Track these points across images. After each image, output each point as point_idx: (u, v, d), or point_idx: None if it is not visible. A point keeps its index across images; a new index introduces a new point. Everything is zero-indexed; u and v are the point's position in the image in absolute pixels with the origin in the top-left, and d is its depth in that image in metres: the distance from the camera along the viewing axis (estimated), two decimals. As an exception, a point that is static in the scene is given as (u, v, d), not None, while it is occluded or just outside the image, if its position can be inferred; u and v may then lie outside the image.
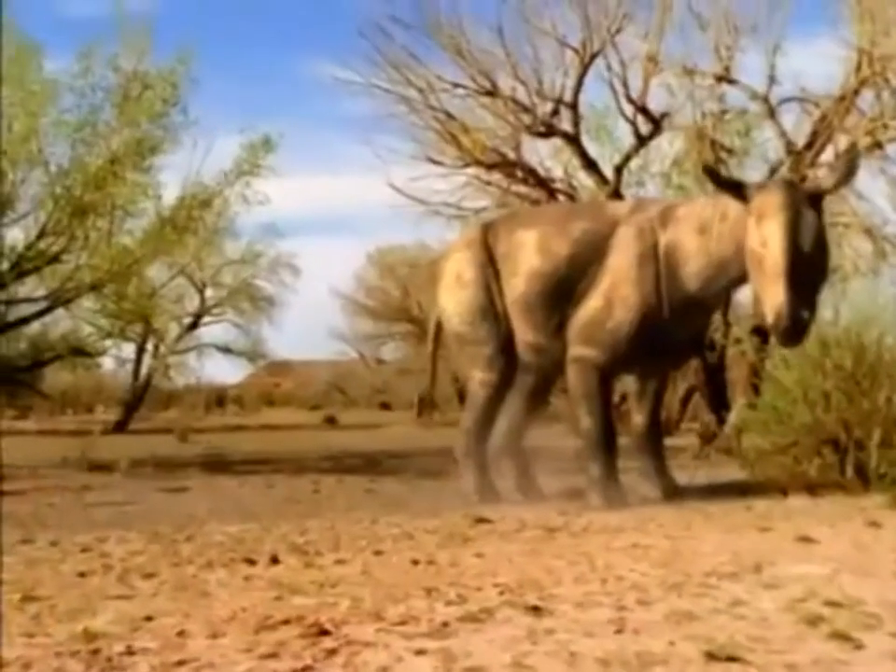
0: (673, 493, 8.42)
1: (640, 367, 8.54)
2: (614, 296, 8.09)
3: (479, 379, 8.89)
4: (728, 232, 7.64)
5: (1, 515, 7.56)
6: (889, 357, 8.66)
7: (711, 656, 3.42)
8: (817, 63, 14.03)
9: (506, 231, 8.89)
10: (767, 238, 7.07)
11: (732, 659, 3.41)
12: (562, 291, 8.34)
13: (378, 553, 5.79)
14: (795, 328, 7.03)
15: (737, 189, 7.45)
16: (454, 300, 9.05)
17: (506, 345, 8.75)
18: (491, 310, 8.76)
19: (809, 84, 13.59)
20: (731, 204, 7.66)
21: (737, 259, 7.55)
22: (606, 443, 8.18)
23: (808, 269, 7.07)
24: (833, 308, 9.35)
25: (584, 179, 14.74)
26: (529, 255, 8.57)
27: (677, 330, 8.14)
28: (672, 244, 8.00)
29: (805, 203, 7.14)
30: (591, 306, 8.16)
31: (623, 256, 8.14)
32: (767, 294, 7.06)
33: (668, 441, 14.74)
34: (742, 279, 7.78)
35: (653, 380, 8.74)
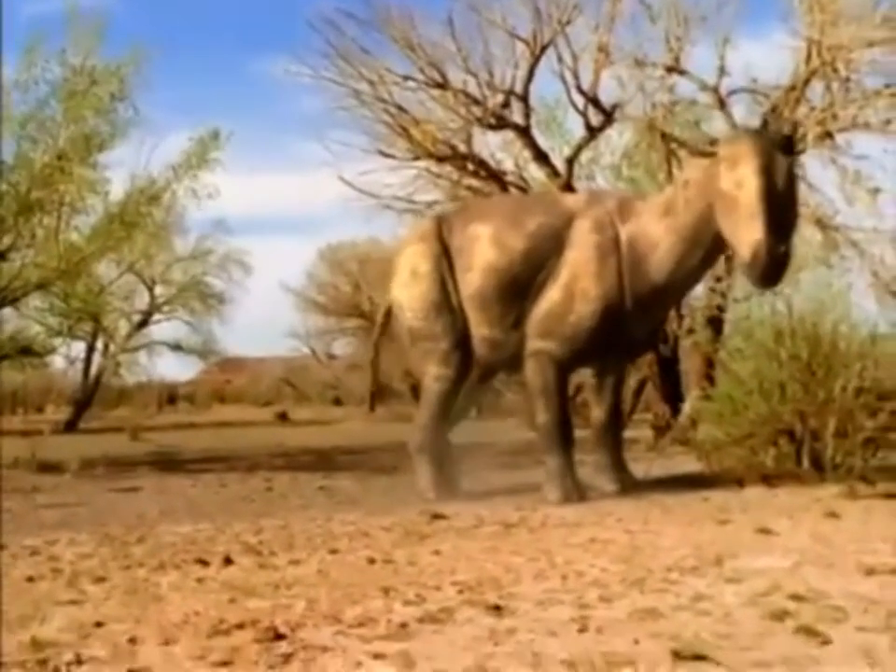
0: (630, 486, 8.36)
1: (599, 360, 8.47)
2: (574, 289, 8.01)
3: (434, 374, 8.78)
4: (695, 194, 7.64)
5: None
6: (843, 347, 8.66)
7: (678, 655, 3.35)
8: (767, 55, 14.08)
9: (460, 224, 8.78)
10: (742, 179, 7.14)
11: (699, 657, 3.35)
12: (518, 285, 8.26)
13: (334, 552, 5.70)
14: (774, 263, 7.07)
15: (710, 149, 7.58)
16: (407, 294, 8.93)
17: (462, 340, 8.64)
18: (446, 304, 8.65)
19: (760, 75, 13.55)
20: (691, 169, 7.85)
21: (710, 218, 7.56)
22: (562, 437, 8.11)
23: (782, 210, 7.17)
24: (787, 298, 9.33)
25: (535, 171, 14.68)
26: (484, 248, 8.47)
27: (637, 324, 8.10)
28: (635, 235, 7.97)
29: (775, 148, 7.31)
30: (550, 299, 8.09)
31: (581, 249, 8.07)
32: (743, 233, 7.11)
33: (624, 434, 14.80)
34: (716, 249, 7.98)
35: (612, 373, 8.65)
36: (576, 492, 7.94)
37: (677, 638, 3.55)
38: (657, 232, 7.90)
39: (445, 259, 8.70)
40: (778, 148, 7.29)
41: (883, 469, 8.25)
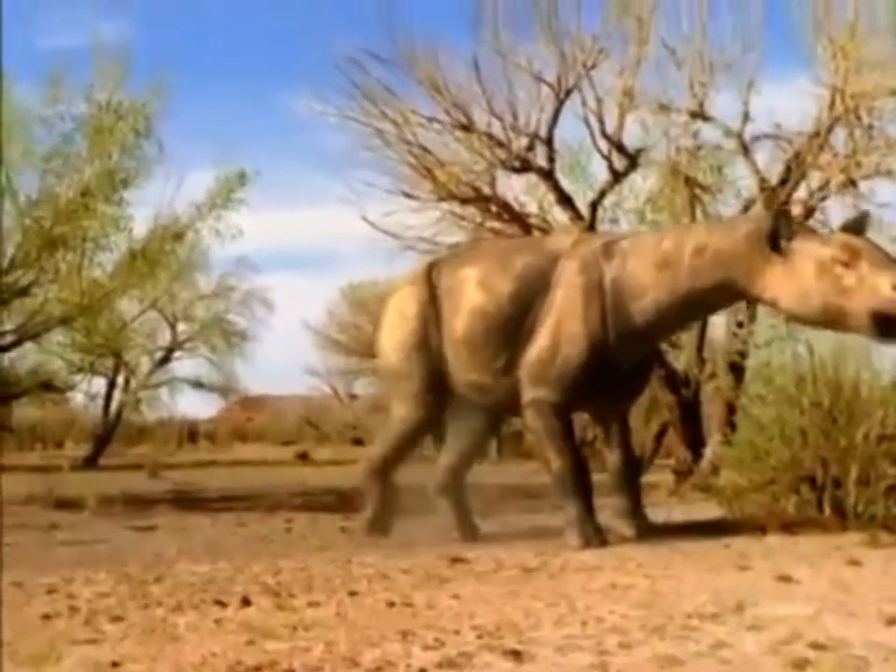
0: (647, 532, 8.24)
1: (596, 402, 8.39)
2: (561, 333, 7.89)
3: (401, 415, 8.74)
4: (711, 264, 7.56)
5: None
6: (865, 393, 8.61)
7: (698, 704, 3.34)
8: (790, 101, 14.14)
9: (450, 268, 8.70)
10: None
11: (719, 706, 3.33)
12: (506, 329, 8.16)
13: (353, 594, 5.69)
14: None
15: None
16: (391, 335, 8.84)
17: (436, 385, 8.55)
18: (425, 346, 8.54)
19: (783, 121, 13.59)
20: (708, 236, 7.76)
21: (715, 294, 7.65)
22: (577, 482, 7.95)
23: None
24: (809, 344, 9.31)
25: (559, 215, 14.70)
26: (472, 291, 8.37)
27: (625, 363, 7.99)
28: (621, 277, 7.86)
29: None
30: (539, 345, 7.97)
31: (566, 290, 7.97)
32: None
33: (643, 478, 14.75)
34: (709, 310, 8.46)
35: (612, 417, 8.49)
36: (596, 537, 7.82)
37: (697, 687, 3.53)
38: (647, 282, 7.79)
39: (433, 303, 8.56)
40: None
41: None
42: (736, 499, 8.80)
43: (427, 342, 8.56)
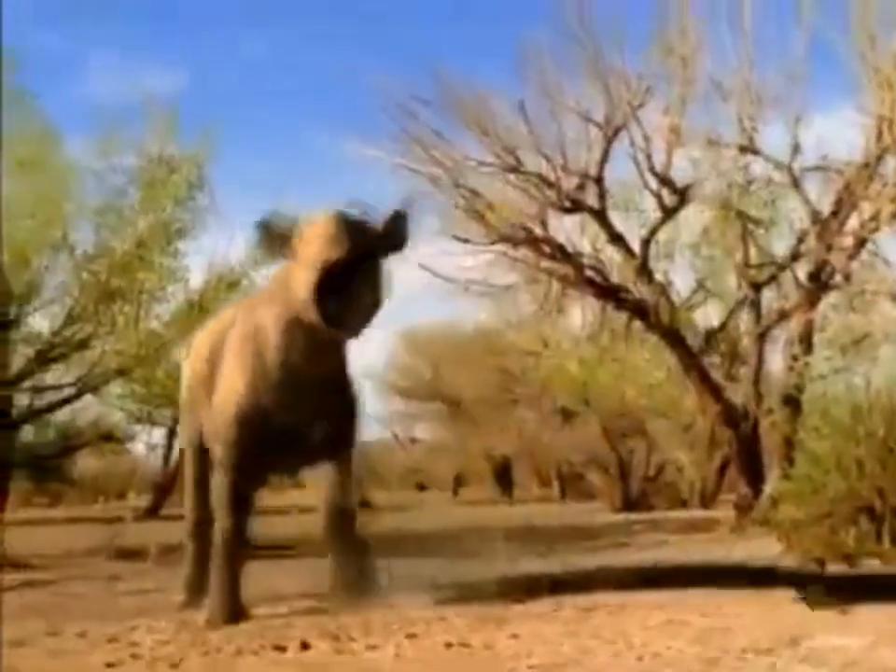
0: (367, 592, 7.40)
1: (284, 461, 7.91)
2: (226, 388, 7.33)
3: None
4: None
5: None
6: (922, 423, 8.55)
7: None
8: (839, 131, 14.15)
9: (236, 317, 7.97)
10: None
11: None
12: (208, 387, 7.63)
13: (411, 636, 5.72)
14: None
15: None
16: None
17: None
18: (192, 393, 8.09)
19: (832, 152, 13.58)
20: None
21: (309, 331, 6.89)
22: (232, 552, 7.22)
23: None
24: (865, 375, 9.27)
25: (612, 253, 14.73)
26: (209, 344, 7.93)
27: (300, 420, 7.20)
28: (260, 330, 7.25)
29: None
30: (213, 402, 7.43)
31: (230, 346, 7.48)
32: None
33: (706, 514, 14.73)
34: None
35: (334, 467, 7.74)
36: (228, 613, 6.89)
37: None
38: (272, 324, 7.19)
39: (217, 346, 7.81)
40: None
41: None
42: (794, 533, 8.74)
43: (190, 388, 8.19)
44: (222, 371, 7.41)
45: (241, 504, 7.26)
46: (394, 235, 7.04)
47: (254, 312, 7.41)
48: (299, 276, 6.55)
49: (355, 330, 6.79)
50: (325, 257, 6.38)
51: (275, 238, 6.89)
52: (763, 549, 9.52)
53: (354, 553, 7.64)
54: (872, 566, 7.94)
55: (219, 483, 7.30)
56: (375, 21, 36.61)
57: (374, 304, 6.72)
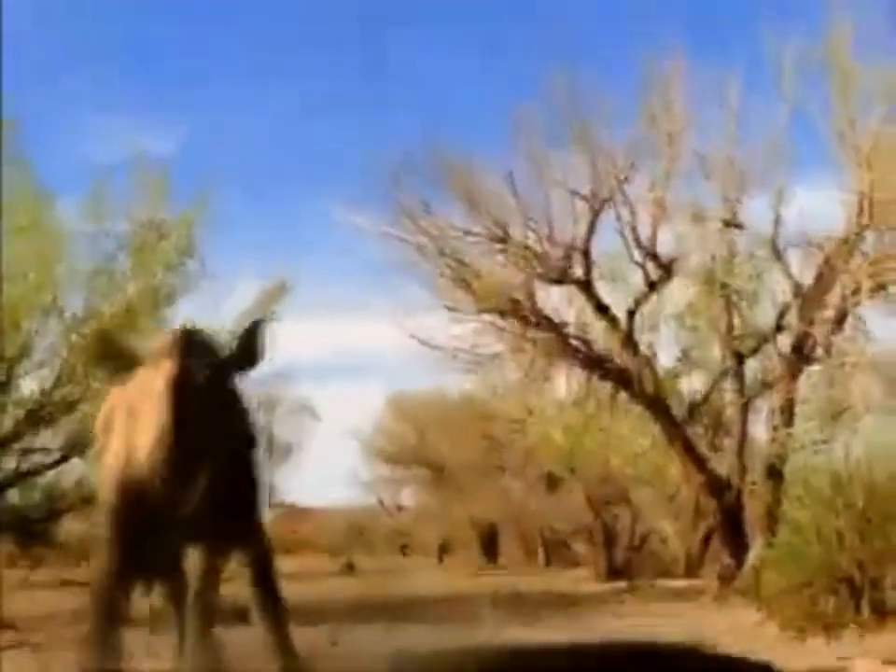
0: None
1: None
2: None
3: None
4: None
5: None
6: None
7: None
8: (820, 206, 14.47)
9: None
10: None
11: None
12: None
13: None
14: None
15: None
16: None
17: None
18: None
19: (814, 226, 13.83)
20: None
21: None
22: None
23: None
24: (845, 446, 9.46)
25: (597, 323, 14.92)
26: None
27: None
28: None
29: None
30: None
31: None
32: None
33: (690, 583, 14.85)
34: None
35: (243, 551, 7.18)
36: None
37: None
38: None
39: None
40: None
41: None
42: (776, 602, 8.90)
43: None
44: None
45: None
46: (246, 351, 6.56)
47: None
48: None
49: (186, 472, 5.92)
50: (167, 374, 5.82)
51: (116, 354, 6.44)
52: (744, 618, 9.66)
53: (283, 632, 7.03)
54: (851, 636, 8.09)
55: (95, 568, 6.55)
56: (368, 84, 36.96)
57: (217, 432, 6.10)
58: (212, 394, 6.11)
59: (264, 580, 7.02)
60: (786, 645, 7.91)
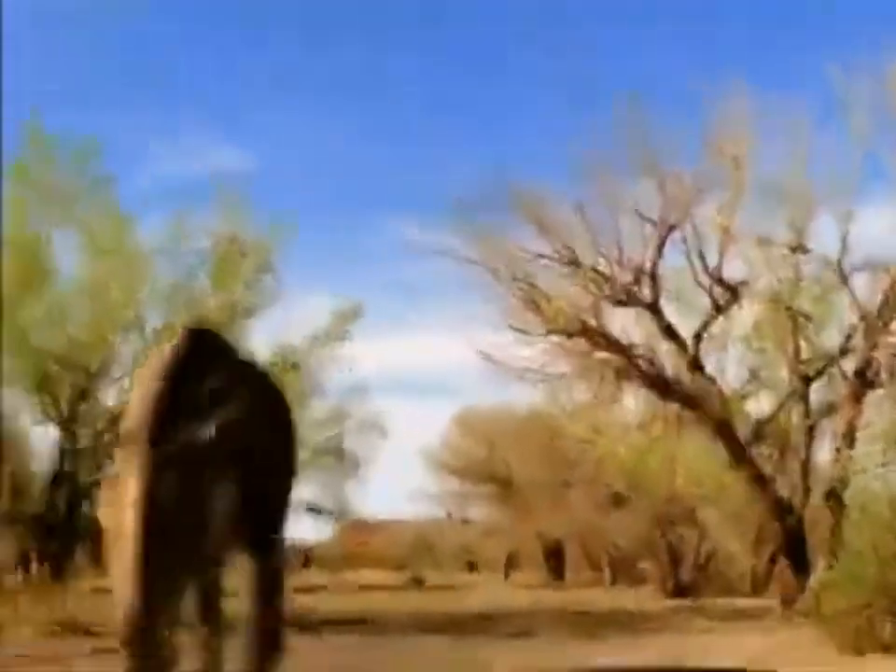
0: None
1: None
2: None
3: None
4: None
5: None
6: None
7: None
8: (886, 231, 14.68)
9: None
10: None
11: None
12: None
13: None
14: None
15: None
16: None
17: None
18: None
19: (880, 252, 14.01)
20: None
21: None
22: None
23: None
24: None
25: (664, 345, 15.12)
26: None
27: None
28: None
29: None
30: None
31: None
32: None
33: (754, 602, 14.99)
34: None
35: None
36: None
37: None
38: None
39: None
40: None
41: None
42: (835, 622, 9.09)
43: None
44: None
45: None
46: None
47: None
48: None
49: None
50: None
51: None
52: (804, 638, 9.82)
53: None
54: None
55: None
56: (443, 115, 37.47)
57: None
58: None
59: (271, 596, 6.64)
60: (844, 665, 8.10)
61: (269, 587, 6.65)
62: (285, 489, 7.12)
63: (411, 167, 36.38)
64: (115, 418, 14.15)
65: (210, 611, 6.20)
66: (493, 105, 36.61)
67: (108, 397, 15.03)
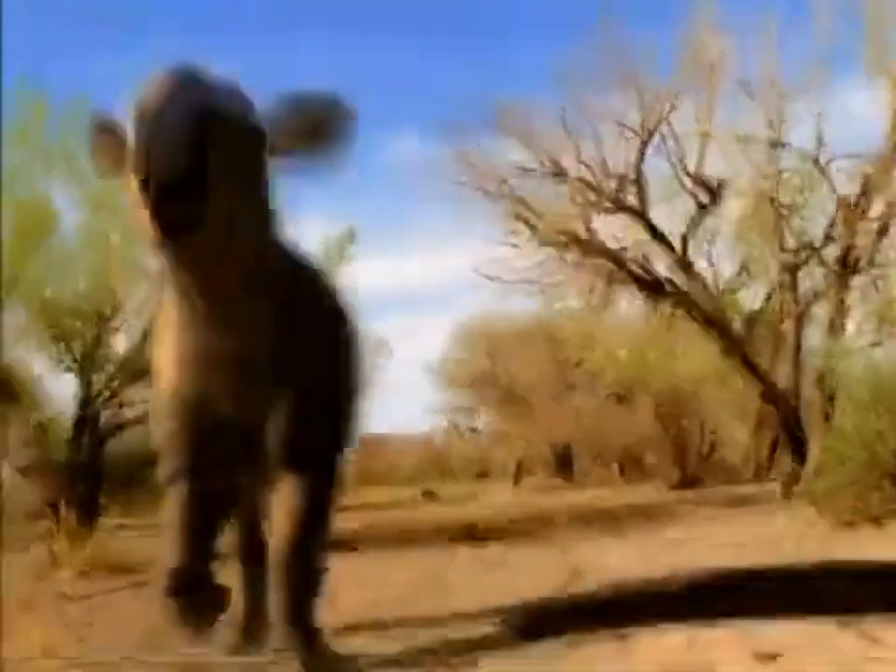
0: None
1: None
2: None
3: None
4: None
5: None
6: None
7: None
8: (863, 122, 15.24)
9: None
10: None
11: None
12: None
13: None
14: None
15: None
16: None
17: None
18: None
19: (857, 143, 14.59)
20: None
21: None
22: None
23: None
24: (885, 352, 10.18)
25: (653, 248, 15.61)
26: None
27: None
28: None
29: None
30: None
31: None
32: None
33: (757, 487, 15.57)
34: None
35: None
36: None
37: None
38: None
39: None
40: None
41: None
42: (826, 501, 9.70)
43: None
44: None
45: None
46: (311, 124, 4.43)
47: None
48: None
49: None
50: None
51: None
52: (801, 518, 10.36)
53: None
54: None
55: None
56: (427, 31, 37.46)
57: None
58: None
59: (295, 534, 4.85)
60: (836, 539, 8.70)
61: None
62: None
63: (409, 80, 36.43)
64: (125, 362, 14.70)
65: (253, 545, 5.65)
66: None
67: (118, 343, 15.44)
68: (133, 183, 3.94)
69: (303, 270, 5.06)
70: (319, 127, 4.36)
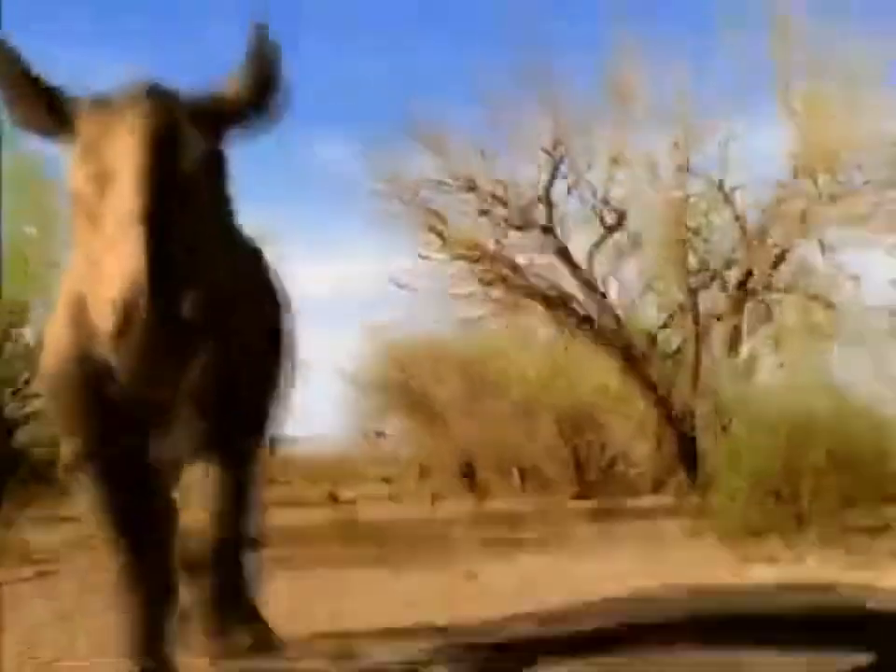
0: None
1: None
2: None
3: None
4: None
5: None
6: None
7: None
8: (767, 151, 15.94)
9: None
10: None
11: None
12: None
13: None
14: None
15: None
16: None
17: None
18: None
19: (759, 170, 15.15)
20: None
21: None
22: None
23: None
24: (772, 374, 10.62)
25: (560, 266, 15.96)
26: None
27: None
28: None
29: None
30: None
31: None
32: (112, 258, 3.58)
33: (653, 501, 15.98)
34: None
35: None
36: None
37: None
38: None
39: None
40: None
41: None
42: (711, 514, 10.15)
43: None
44: None
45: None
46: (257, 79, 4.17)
47: None
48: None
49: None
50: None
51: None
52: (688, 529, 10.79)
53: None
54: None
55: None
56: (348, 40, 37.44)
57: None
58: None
59: (230, 513, 4.68)
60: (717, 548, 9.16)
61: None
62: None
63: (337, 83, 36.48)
64: (33, 354, 14.71)
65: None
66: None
67: (27, 334, 15.43)
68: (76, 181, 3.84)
69: (244, 249, 5.02)
70: (257, 65, 4.11)
